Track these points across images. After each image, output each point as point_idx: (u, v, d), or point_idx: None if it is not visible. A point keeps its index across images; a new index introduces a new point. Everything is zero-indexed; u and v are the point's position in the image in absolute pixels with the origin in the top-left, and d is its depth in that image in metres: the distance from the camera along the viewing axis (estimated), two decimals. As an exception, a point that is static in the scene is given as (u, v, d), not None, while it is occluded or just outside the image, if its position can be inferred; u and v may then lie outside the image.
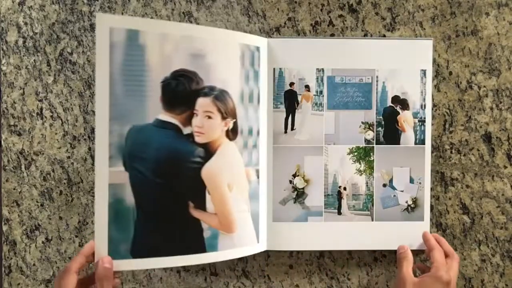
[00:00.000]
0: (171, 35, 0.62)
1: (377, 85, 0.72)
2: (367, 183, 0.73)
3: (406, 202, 0.72)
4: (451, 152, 0.73)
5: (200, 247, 0.64)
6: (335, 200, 0.73)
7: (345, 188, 0.72)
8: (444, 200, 0.73)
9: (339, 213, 0.73)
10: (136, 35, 0.60)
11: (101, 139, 0.59)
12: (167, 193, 0.63)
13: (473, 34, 0.72)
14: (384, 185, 0.72)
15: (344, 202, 0.73)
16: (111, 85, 0.59)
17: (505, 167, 0.72)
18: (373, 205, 0.72)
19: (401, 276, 0.64)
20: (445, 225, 0.73)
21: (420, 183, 0.72)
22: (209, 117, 0.64)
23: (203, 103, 0.63)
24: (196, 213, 0.64)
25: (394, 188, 0.72)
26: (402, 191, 0.72)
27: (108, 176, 0.60)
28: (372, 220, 0.72)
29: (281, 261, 0.74)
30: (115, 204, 0.60)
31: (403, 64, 0.72)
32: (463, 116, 0.73)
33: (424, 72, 0.71)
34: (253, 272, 0.75)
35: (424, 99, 0.72)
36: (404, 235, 0.72)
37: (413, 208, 0.72)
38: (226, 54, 0.65)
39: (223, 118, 0.64)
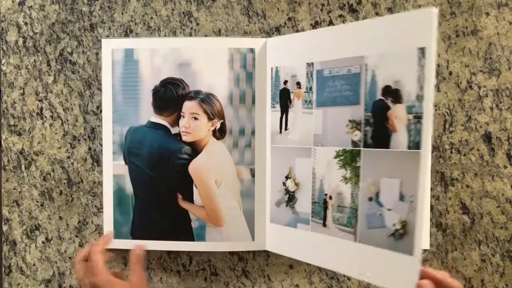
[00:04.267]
0: (160, 49, 0.72)
1: (366, 74, 0.59)
2: (352, 194, 0.60)
3: (394, 225, 0.56)
4: (451, 152, 0.73)
5: (188, 235, 0.72)
6: (321, 209, 0.64)
7: (330, 197, 0.63)
8: (444, 200, 0.73)
9: (324, 224, 0.64)
10: (131, 52, 0.72)
11: (107, 138, 0.73)
12: (159, 184, 0.72)
13: (473, 34, 0.72)
14: (370, 199, 0.58)
15: (329, 213, 0.63)
16: (113, 95, 0.72)
17: (505, 167, 0.72)
18: (357, 222, 0.60)
19: None
20: (445, 225, 0.73)
21: (412, 201, 0.53)
22: (196, 118, 0.71)
23: (189, 106, 0.71)
24: (184, 204, 0.72)
25: (380, 205, 0.57)
26: (389, 209, 0.56)
27: (112, 168, 0.72)
28: (355, 240, 0.60)
29: (281, 261, 0.74)
30: (118, 192, 0.73)
31: (396, 45, 0.55)
32: (463, 116, 0.73)
33: (422, 50, 0.52)
34: (253, 272, 0.75)
35: (421, 88, 0.52)
36: (390, 268, 0.56)
37: (401, 234, 0.55)
38: (212, 60, 0.71)
39: (210, 119, 0.71)
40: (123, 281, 0.63)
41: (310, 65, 0.66)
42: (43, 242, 0.75)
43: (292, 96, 0.69)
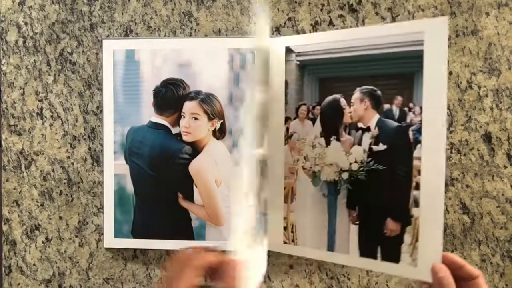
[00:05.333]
0: (161, 50, 0.73)
1: None
2: None
3: None
4: (451, 152, 0.73)
5: (189, 234, 0.74)
6: None
7: None
8: (444, 200, 0.73)
9: None
10: (133, 53, 0.73)
11: (108, 137, 0.73)
12: (159, 184, 0.73)
13: (473, 34, 0.72)
14: None
15: None
16: (114, 95, 0.73)
17: (505, 167, 0.72)
18: None
19: None
20: (445, 225, 0.73)
21: None
22: (196, 118, 0.72)
23: (189, 106, 0.72)
24: (184, 204, 0.73)
25: None
26: None
27: (113, 167, 0.73)
28: None
29: (281, 261, 0.74)
30: (119, 191, 0.74)
31: None
32: (463, 116, 0.73)
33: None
34: (253, 272, 0.75)
35: None
36: None
37: None
38: (212, 61, 0.72)
39: (210, 119, 0.72)
40: None
41: None
42: (43, 242, 0.75)
43: None
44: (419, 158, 0.58)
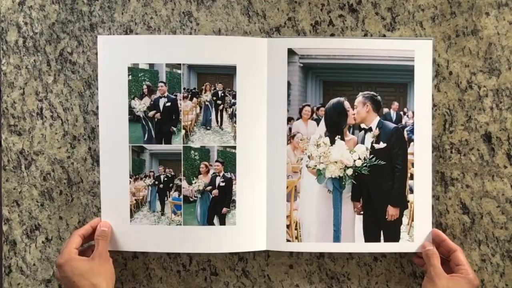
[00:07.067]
0: None
1: None
2: None
3: None
4: (451, 152, 0.73)
5: None
6: None
7: None
8: (444, 200, 0.73)
9: None
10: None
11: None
12: None
13: (473, 34, 0.72)
14: None
15: None
16: None
17: (505, 167, 0.72)
18: None
19: (435, 271, 0.65)
20: (445, 225, 0.73)
21: None
22: None
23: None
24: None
25: None
26: None
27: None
28: None
29: (281, 261, 0.74)
30: None
31: None
32: (463, 116, 0.73)
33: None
34: (253, 272, 0.75)
35: None
36: None
37: None
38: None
39: None
40: (85, 257, 0.67)
41: None
42: (43, 242, 0.75)
43: None
44: (412, 153, 0.71)
